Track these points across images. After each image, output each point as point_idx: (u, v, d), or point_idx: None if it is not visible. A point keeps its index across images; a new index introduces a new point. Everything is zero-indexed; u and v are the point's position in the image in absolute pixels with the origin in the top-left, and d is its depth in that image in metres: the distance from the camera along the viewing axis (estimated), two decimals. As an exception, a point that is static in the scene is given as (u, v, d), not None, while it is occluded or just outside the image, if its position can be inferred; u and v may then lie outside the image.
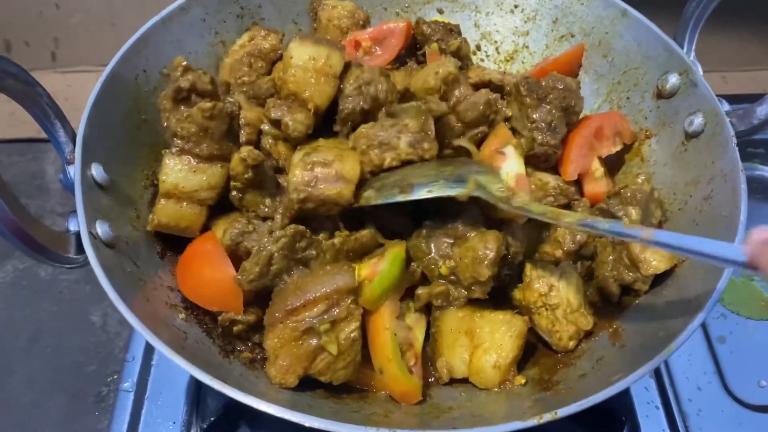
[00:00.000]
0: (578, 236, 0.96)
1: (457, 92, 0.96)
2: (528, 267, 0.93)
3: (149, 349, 1.14)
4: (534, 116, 1.00)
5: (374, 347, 0.87)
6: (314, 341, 0.83)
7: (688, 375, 1.13)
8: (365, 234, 0.91)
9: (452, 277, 0.91)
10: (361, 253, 0.92)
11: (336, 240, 0.89)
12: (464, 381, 0.91)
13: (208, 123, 0.87)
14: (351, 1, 1.20)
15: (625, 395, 1.09)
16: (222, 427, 1.05)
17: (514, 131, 1.02)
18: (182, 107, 0.90)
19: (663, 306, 0.89)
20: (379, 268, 0.88)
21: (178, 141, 0.88)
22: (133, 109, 0.98)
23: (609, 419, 1.07)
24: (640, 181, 0.97)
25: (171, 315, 0.86)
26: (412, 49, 1.15)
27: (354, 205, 0.90)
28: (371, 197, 0.90)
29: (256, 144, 0.98)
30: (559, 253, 0.96)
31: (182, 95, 0.89)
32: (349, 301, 0.84)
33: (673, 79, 1.04)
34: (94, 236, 0.81)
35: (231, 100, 0.94)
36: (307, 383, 0.85)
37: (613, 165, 1.11)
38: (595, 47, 1.16)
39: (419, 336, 0.93)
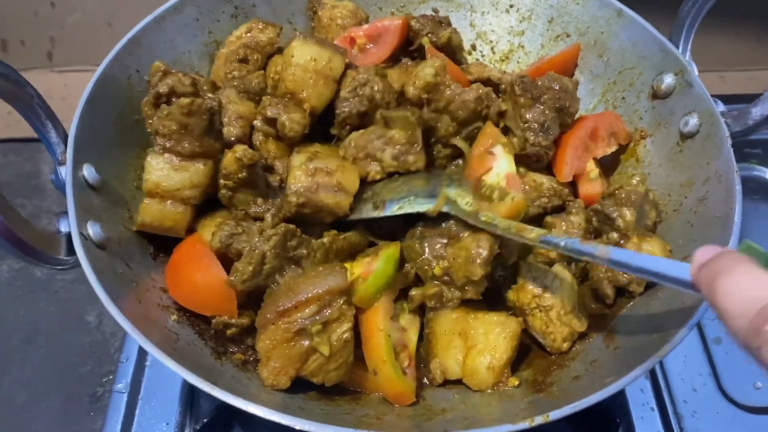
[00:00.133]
0: (572, 237, 0.96)
1: (448, 92, 0.95)
2: (522, 268, 0.93)
3: (143, 350, 1.14)
4: (527, 116, 0.99)
5: (368, 348, 0.87)
6: (306, 342, 0.82)
7: (683, 376, 1.12)
8: (353, 234, 0.92)
9: (446, 278, 0.90)
10: (351, 253, 0.92)
11: (325, 239, 0.89)
12: (458, 382, 0.91)
13: (186, 120, 0.86)
14: (350, 1, 1.20)
15: (620, 396, 1.09)
16: (215, 429, 1.05)
17: (507, 130, 1.02)
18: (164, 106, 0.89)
19: (658, 308, 0.89)
20: (374, 267, 0.88)
21: (160, 139, 0.87)
22: (125, 109, 0.98)
23: (604, 421, 1.07)
24: (634, 182, 0.96)
25: (163, 316, 0.86)
26: (406, 46, 1.14)
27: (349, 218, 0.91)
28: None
29: (247, 139, 0.98)
30: (553, 254, 0.96)
31: (162, 100, 0.89)
32: (341, 302, 0.83)
33: (669, 80, 1.03)
34: (85, 237, 0.80)
35: (211, 96, 0.93)
36: (300, 385, 0.85)
37: (608, 166, 1.10)
38: (590, 47, 1.15)
39: (413, 337, 0.93)
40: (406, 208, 0.90)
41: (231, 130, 0.96)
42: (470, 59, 1.25)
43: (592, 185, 1.04)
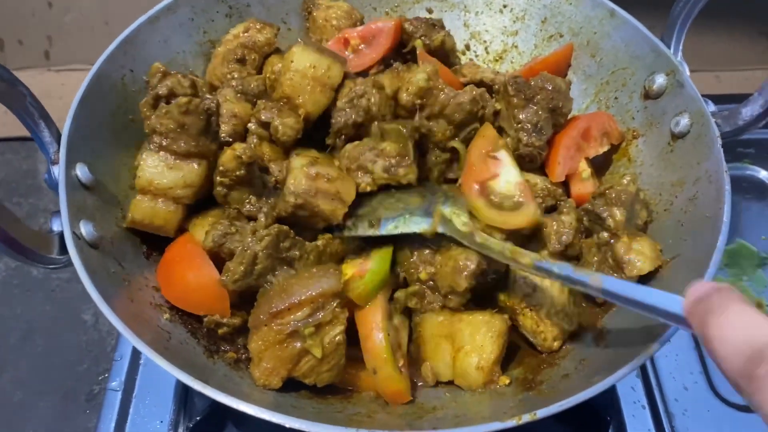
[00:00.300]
0: (564, 237, 0.96)
1: (442, 96, 0.95)
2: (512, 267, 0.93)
3: (137, 349, 1.14)
4: (520, 116, 1.00)
5: (368, 347, 0.86)
6: (298, 344, 0.82)
7: (674, 375, 1.13)
8: (348, 238, 0.92)
9: (430, 283, 0.91)
10: (343, 257, 0.93)
11: (319, 242, 0.89)
12: (450, 382, 0.91)
13: (184, 119, 0.87)
14: (345, 1, 1.20)
15: (611, 394, 1.09)
16: (209, 426, 1.06)
17: (501, 130, 1.02)
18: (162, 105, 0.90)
19: (647, 307, 0.89)
20: (368, 266, 0.88)
21: (157, 137, 0.88)
22: (119, 109, 0.98)
23: (595, 418, 1.07)
24: (625, 181, 0.97)
25: (155, 315, 0.86)
26: (399, 49, 1.15)
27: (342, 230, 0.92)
28: (348, 227, 0.92)
29: (241, 139, 0.98)
30: (544, 253, 0.96)
31: (162, 102, 0.89)
32: (334, 305, 0.83)
33: (660, 80, 1.04)
34: (77, 236, 0.81)
35: (209, 97, 0.93)
36: (293, 384, 0.85)
37: (600, 165, 1.10)
38: (583, 47, 1.16)
39: (405, 337, 0.93)
40: (401, 228, 0.90)
41: (224, 128, 0.97)
42: (464, 59, 1.26)
43: (584, 185, 1.05)
